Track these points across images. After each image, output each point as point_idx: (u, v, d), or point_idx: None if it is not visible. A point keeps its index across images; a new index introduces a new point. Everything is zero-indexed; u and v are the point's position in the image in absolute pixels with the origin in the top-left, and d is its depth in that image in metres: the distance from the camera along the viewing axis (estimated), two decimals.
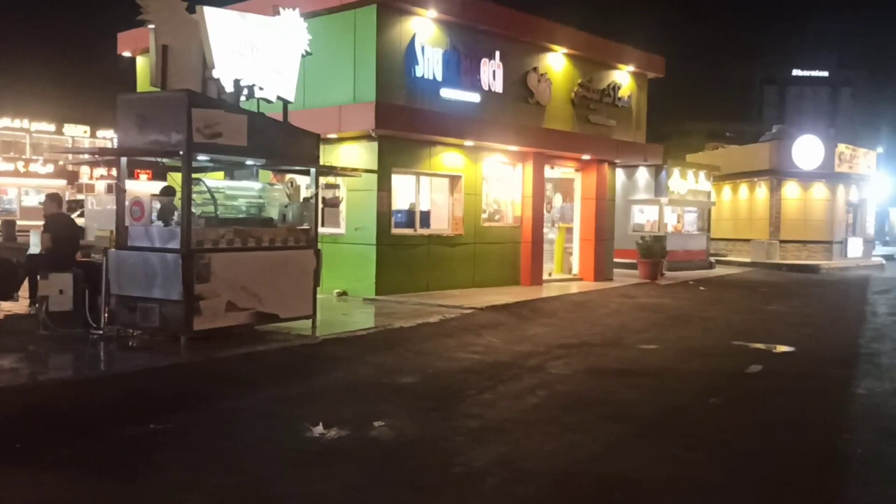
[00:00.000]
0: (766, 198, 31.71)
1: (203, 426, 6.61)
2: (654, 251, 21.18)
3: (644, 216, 25.49)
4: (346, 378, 8.59)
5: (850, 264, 30.31)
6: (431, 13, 15.50)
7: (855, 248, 32.87)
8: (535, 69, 18.01)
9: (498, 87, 16.98)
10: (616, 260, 21.04)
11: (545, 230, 18.96)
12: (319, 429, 6.52)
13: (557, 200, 21.23)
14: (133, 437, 6.22)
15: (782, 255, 30.38)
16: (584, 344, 11.08)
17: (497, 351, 10.36)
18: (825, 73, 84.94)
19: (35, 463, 5.52)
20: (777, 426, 7.13)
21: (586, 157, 19.57)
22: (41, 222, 11.18)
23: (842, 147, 32.31)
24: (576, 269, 20.14)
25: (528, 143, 17.59)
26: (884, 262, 33.24)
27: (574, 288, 18.10)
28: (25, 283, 10.62)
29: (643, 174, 24.63)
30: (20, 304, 10.76)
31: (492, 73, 16.82)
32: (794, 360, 10.58)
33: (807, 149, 31.20)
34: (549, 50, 18.50)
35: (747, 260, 29.88)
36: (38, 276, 9.78)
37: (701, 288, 20.13)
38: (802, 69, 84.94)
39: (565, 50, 18.80)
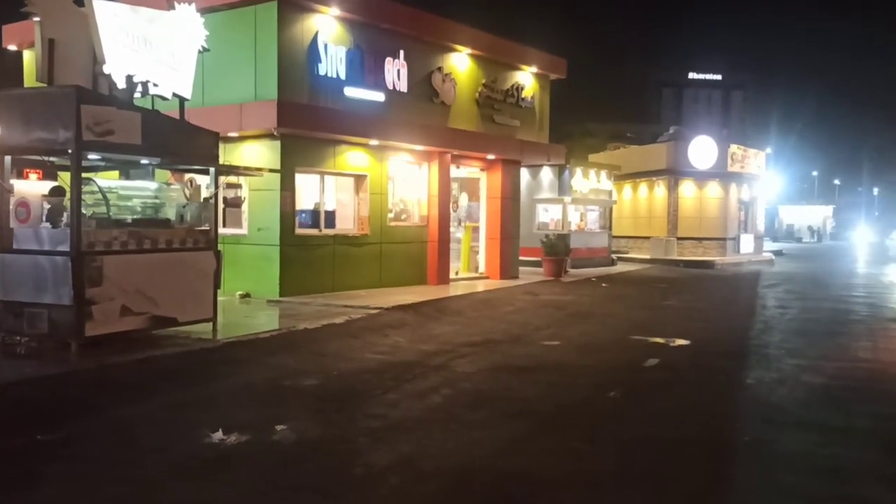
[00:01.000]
0: (664, 196, 32.90)
1: (93, 436, 6.34)
2: (558, 249, 21.64)
3: (548, 215, 26.02)
4: (247, 381, 8.42)
5: (743, 260, 31.79)
6: (334, 11, 15.35)
7: (747, 244, 34.51)
8: (439, 69, 18.10)
9: (403, 86, 16.98)
10: (521, 258, 21.38)
11: (452, 229, 19.09)
12: (218, 434, 6.37)
13: (464, 200, 21.43)
14: (16, 449, 5.93)
15: (680, 251, 31.58)
16: (489, 341, 11.22)
17: (403, 350, 10.37)
18: (718, 77, 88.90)
19: None
20: (672, 417, 7.40)
21: (491, 156, 19.81)
22: None
23: (734, 147, 33.87)
24: (482, 268, 20.36)
25: (433, 143, 17.66)
26: (773, 257, 35.00)
27: (480, 286, 18.30)
28: None
29: (547, 174, 25.13)
30: None
31: (396, 72, 16.81)
32: (690, 353, 11.00)
33: (701, 149, 32.56)
34: (454, 50, 18.63)
35: (647, 257, 30.93)
36: None
37: (603, 285, 20.71)
38: (697, 72, 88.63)
39: (469, 50, 18.97)
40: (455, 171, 19.39)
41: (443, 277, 18.17)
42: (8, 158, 9.70)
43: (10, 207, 9.61)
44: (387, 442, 6.32)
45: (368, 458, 5.91)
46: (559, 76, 22.56)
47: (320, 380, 8.54)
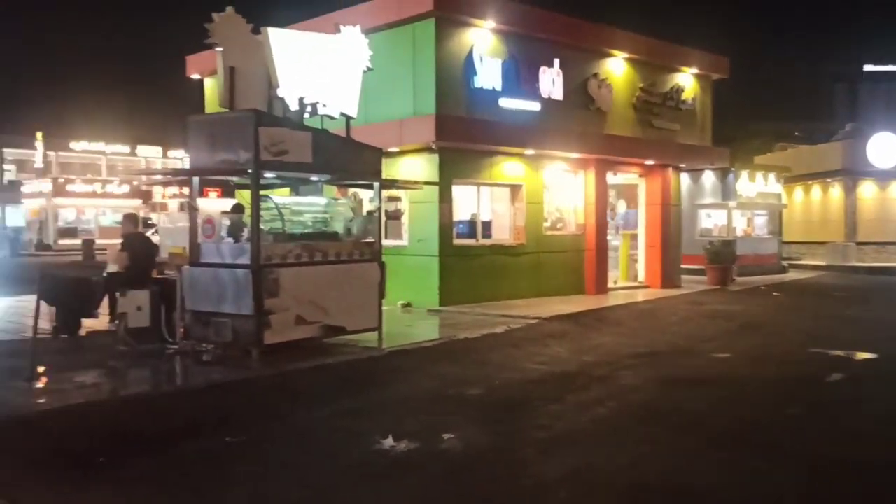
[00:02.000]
0: (840, 198, 30.70)
1: (275, 439, 6.72)
2: (723, 256, 20.70)
3: (711, 220, 24.97)
4: (413, 390, 8.63)
5: None
6: (489, 24, 15.54)
7: None
8: (595, 75, 17.87)
9: (558, 94, 16.89)
10: (683, 266, 20.63)
11: (609, 237, 18.74)
12: (389, 441, 6.55)
13: (621, 207, 20.96)
14: (208, 450, 6.37)
15: (860, 257, 29.27)
16: (654, 353, 10.88)
17: (564, 361, 10.26)
18: None
19: (116, 477, 5.71)
20: (864, 437, 6.86)
21: (650, 162, 19.28)
22: (119, 240, 11.58)
23: None
24: (642, 277, 19.83)
25: (589, 150, 17.45)
26: None
27: (641, 296, 17.82)
28: (105, 301, 10.98)
29: (709, 178, 24.14)
30: (101, 321, 11.14)
31: (551, 80, 16.74)
32: (878, 368, 10.20)
33: (883, 146, 30.11)
34: (610, 55, 18.33)
35: (822, 263, 28.91)
36: (117, 294, 10.11)
37: (774, 293, 19.56)
38: (875, 64, 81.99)
39: (626, 55, 18.60)
40: (612, 178, 19.04)
41: (601, 287, 17.86)
42: (196, 179, 10.51)
43: (198, 224, 10.37)
44: (554, 454, 6.27)
45: (537, 470, 5.88)
46: (721, 76, 21.64)
47: (483, 389, 8.61)
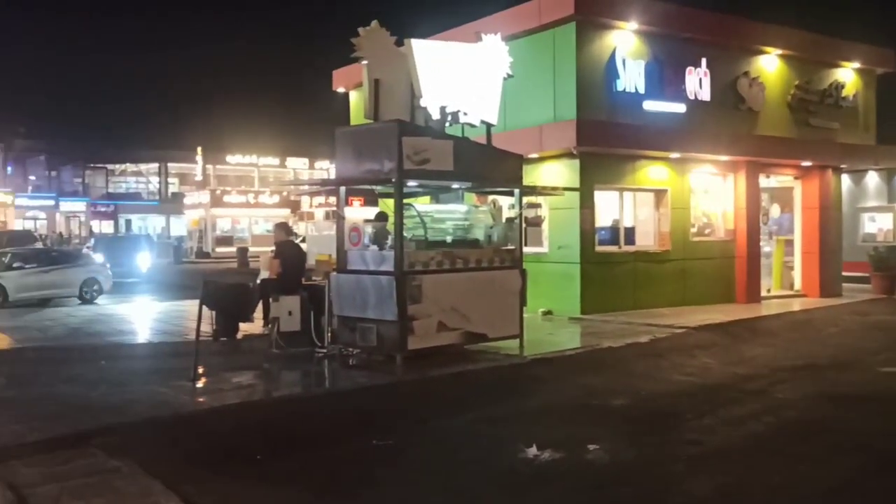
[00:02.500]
0: None
1: (419, 444, 6.81)
2: (889, 263, 19.17)
3: (875, 225, 23.21)
4: (555, 399, 8.52)
5: None
6: (632, 25, 15.18)
7: None
8: (745, 74, 17.05)
9: (705, 95, 16.24)
10: (844, 274, 19.27)
11: (761, 243, 17.80)
12: (532, 450, 6.48)
13: (774, 211, 19.84)
14: (355, 452, 6.55)
15: None
16: (812, 366, 10.22)
17: (714, 373, 9.83)
18: None
19: (271, 475, 5.97)
20: None
21: (806, 163, 18.16)
22: (270, 248, 12.16)
23: None
24: (798, 285, 18.68)
25: (739, 152, 16.66)
26: None
27: (797, 305, 16.80)
28: (260, 306, 11.55)
29: (873, 179, 22.46)
30: (255, 325, 11.74)
31: (698, 81, 16.12)
32: None
33: None
34: (761, 52, 17.44)
35: None
36: (270, 299, 10.62)
37: None
38: None
39: (779, 51, 17.64)
40: (764, 181, 18.09)
41: (752, 295, 16.98)
42: (342, 188, 10.88)
43: (345, 232, 10.72)
44: (705, 470, 6.00)
45: (687, 487, 5.64)
46: (887, 70, 20.07)
47: (629, 400, 8.38)
